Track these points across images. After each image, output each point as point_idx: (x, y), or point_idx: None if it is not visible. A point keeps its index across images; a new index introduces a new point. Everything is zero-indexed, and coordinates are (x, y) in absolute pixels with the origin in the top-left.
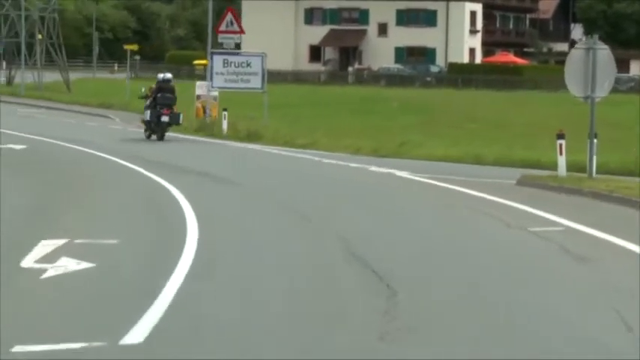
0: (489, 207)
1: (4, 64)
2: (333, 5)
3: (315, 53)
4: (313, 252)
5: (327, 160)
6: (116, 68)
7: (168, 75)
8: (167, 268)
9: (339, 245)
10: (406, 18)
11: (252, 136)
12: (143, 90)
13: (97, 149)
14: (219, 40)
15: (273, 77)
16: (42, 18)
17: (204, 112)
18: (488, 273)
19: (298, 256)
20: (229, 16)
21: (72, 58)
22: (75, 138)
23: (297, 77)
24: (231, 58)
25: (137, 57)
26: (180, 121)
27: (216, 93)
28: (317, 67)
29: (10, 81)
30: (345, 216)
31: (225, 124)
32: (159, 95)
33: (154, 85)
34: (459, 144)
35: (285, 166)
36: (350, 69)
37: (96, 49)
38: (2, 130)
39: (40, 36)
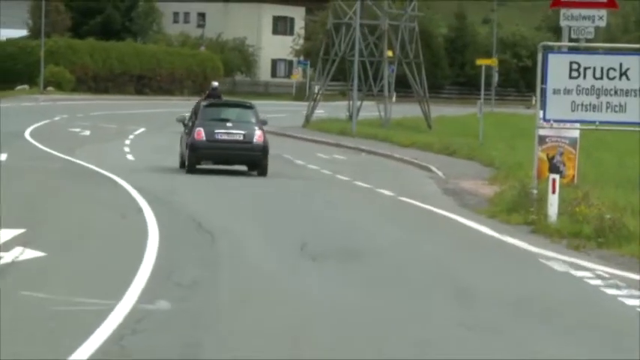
0: None
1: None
2: None
3: None
4: None
5: None
6: (533, 102)
7: (215, 83)
8: None
9: None
10: None
11: (603, 236)
12: (202, 96)
13: None
14: (561, 23)
15: None
16: (394, 28)
17: (553, 170)
18: None
19: None
20: None
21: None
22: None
23: None
24: (586, 61)
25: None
26: None
27: (575, 134)
28: None
29: (352, 114)
30: None
31: (554, 203)
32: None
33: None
34: None
35: None
36: None
37: (495, 77)
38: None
39: (390, 53)
